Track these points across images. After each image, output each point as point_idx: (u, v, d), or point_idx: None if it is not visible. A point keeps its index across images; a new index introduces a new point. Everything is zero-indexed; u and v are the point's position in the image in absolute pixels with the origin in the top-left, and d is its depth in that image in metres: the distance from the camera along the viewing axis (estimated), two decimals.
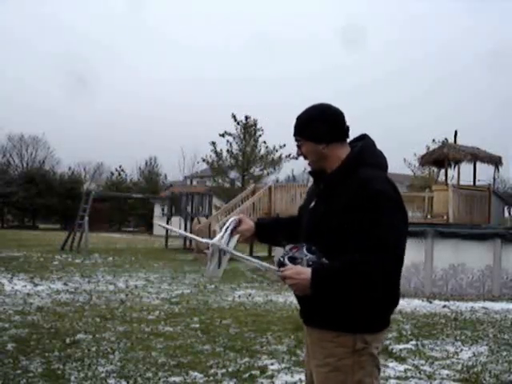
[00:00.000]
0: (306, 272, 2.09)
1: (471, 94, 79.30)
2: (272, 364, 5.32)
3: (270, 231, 2.59)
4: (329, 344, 2.22)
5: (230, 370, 5.10)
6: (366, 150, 2.27)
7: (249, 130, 30.50)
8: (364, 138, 2.33)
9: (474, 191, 16.45)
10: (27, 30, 78.52)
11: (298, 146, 2.33)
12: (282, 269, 2.15)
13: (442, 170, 20.01)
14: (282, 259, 2.19)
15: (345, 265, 2.10)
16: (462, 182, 17.90)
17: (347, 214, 2.13)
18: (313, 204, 2.32)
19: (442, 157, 17.09)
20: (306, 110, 2.33)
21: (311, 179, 2.45)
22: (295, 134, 2.33)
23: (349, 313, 2.17)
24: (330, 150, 2.26)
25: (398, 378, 5.05)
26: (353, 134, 2.35)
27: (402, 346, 6.22)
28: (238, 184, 30.63)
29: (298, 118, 2.33)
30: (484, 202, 16.25)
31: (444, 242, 11.06)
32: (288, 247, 2.23)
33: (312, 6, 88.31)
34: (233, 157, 30.49)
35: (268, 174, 31.53)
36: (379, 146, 2.34)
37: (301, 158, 2.40)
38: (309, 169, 2.42)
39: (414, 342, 6.48)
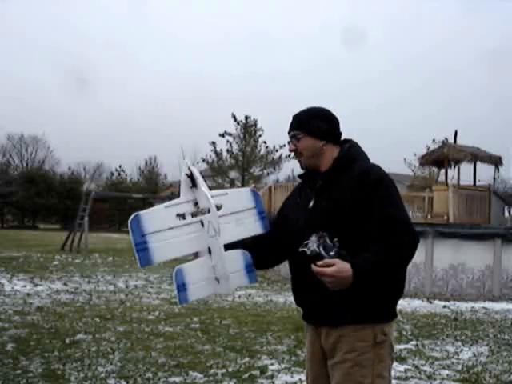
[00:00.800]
0: (347, 270, 2.05)
1: (472, 94, 79.28)
2: (272, 364, 5.32)
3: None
4: (349, 339, 2.22)
5: (229, 370, 5.10)
6: (356, 149, 2.38)
7: (249, 129, 30.52)
8: (350, 141, 2.42)
9: (474, 191, 16.40)
10: (27, 30, 78.54)
11: (297, 140, 2.34)
12: (320, 263, 2.05)
13: (442, 170, 19.99)
14: (318, 250, 2.07)
15: (380, 255, 2.12)
16: (462, 182, 17.85)
17: (355, 202, 2.19)
18: (312, 203, 2.32)
19: (442, 157, 17.06)
20: (306, 108, 2.39)
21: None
22: (295, 129, 2.35)
23: (367, 304, 2.19)
24: (327, 149, 2.33)
25: (398, 378, 5.04)
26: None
27: (402, 346, 6.22)
28: (238, 184, 30.59)
29: (300, 114, 2.38)
30: (484, 202, 16.21)
31: (444, 242, 11.06)
32: (315, 236, 2.09)
33: (312, 3, 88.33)
34: (233, 157, 30.50)
35: (268, 174, 31.56)
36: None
37: None
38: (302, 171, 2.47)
39: (414, 342, 6.48)
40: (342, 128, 2.39)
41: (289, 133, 2.36)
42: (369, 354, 2.20)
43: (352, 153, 2.33)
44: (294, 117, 2.38)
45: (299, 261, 2.22)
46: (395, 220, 2.16)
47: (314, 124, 2.32)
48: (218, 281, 2.25)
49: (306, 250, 2.09)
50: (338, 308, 2.20)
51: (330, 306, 2.21)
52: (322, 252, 2.06)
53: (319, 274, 2.05)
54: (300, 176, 2.46)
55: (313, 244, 2.09)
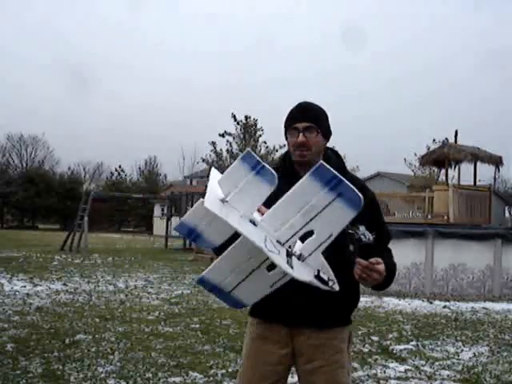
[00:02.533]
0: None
1: (472, 93, 79.22)
2: None
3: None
4: (335, 341, 2.23)
5: (229, 370, 5.09)
6: (341, 158, 2.42)
7: (249, 129, 30.51)
8: (332, 148, 2.41)
9: (474, 191, 16.39)
10: (27, 30, 78.56)
11: (310, 132, 2.19)
12: (373, 261, 1.96)
13: (443, 170, 19.99)
14: (371, 237, 1.93)
15: (389, 260, 2.20)
16: (462, 182, 17.86)
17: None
18: None
19: (442, 157, 17.05)
20: (315, 104, 2.29)
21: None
22: (312, 121, 2.20)
23: (348, 305, 2.27)
24: (323, 151, 2.30)
25: (398, 378, 5.04)
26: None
27: (402, 347, 6.21)
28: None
29: (316, 109, 2.27)
30: (484, 202, 16.20)
31: (444, 242, 11.04)
32: (361, 227, 1.95)
33: (315, 6, 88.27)
34: (233, 157, 30.46)
35: None
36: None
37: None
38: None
39: (414, 343, 6.46)
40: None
41: (299, 122, 2.20)
42: (345, 353, 2.28)
43: (343, 161, 2.36)
44: (308, 108, 2.25)
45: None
46: (389, 234, 2.35)
47: (327, 123, 2.28)
48: None
49: (362, 238, 1.93)
50: (326, 309, 2.19)
51: (319, 307, 2.17)
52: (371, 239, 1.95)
53: (373, 270, 1.96)
54: (284, 172, 2.18)
55: (364, 231, 1.94)
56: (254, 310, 2.31)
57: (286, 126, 2.28)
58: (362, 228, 1.94)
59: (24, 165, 52.70)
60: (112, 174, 52.31)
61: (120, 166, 51.66)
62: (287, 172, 2.24)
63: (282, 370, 2.26)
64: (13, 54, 75.24)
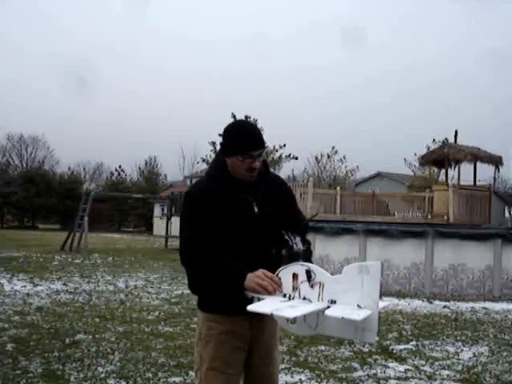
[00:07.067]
0: None
1: (472, 94, 79.20)
2: None
3: None
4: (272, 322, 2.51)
5: None
6: None
7: None
8: None
9: (474, 191, 16.41)
10: (27, 30, 78.55)
11: (260, 156, 2.36)
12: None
13: (443, 170, 20.01)
14: (302, 247, 2.37)
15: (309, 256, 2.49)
16: (462, 182, 17.89)
17: (283, 207, 2.50)
18: (256, 208, 2.40)
19: (442, 157, 17.09)
20: (257, 127, 2.53)
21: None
22: (263, 147, 2.39)
23: None
24: None
25: (398, 378, 5.04)
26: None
27: (402, 347, 6.21)
28: None
29: (261, 133, 2.41)
30: (484, 202, 16.21)
31: (444, 242, 11.04)
32: (297, 237, 2.36)
33: (311, 3, 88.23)
34: None
35: None
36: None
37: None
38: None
39: (414, 343, 6.47)
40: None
41: (257, 149, 2.34)
42: None
43: (267, 164, 2.52)
44: (259, 134, 2.39)
45: (256, 260, 2.32)
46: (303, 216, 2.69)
47: None
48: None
49: (295, 247, 2.33)
50: None
51: None
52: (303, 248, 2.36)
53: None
54: (229, 181, 2.40)
55: (298, 243, 2.34)
56: (217, 307, 2.56)
57: (238, 151, 2.34)
58: (297, 238, 2.34)
59: (24, 165, 52.70)
60: (112, 174, 52.35)
61: (120, 166, 51.70)
62: (230, 180, 2.39)
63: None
64: (12, 54, 75.28)
